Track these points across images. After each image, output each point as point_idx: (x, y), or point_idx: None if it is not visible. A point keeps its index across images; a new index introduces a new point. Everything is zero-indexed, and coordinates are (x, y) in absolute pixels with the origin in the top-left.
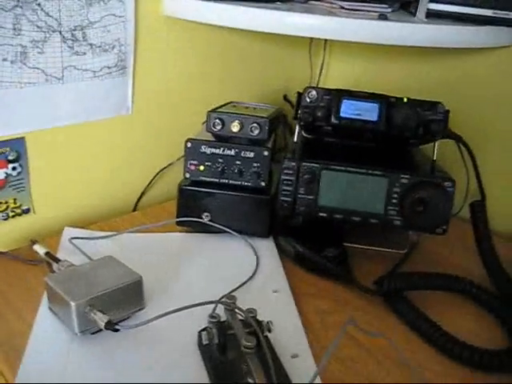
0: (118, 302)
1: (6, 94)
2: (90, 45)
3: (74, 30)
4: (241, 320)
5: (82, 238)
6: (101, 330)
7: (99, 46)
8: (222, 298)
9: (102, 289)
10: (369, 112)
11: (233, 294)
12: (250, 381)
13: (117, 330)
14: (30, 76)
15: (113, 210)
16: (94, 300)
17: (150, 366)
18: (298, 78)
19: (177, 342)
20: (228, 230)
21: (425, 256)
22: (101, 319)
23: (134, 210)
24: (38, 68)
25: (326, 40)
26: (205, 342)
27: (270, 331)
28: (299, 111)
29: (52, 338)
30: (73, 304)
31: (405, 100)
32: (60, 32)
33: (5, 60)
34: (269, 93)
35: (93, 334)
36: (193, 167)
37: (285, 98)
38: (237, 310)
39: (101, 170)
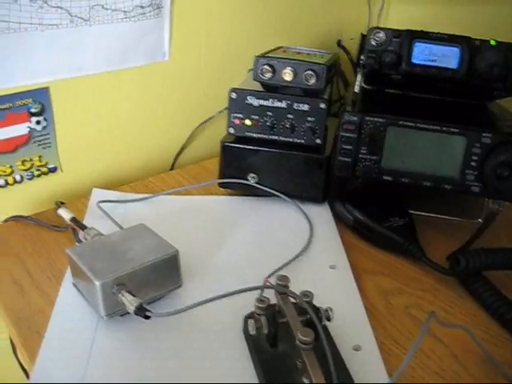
0: (151, 280)
1: (26, 38)
2: None
3: None
4: (293, 303)
5: (111, 201)
6: None
7: None
8: (272, 275)
9: (132, 265)
10: (447, 57)
11: (284, 268)
12: (306, 381)
13: (148, 318)
14: (52, 17)
15: (148, 169)
16: (123, 278)
17: (185, 356)
18: (353, 22)
19: (218, 327)
20: (277, 193)
21: (504, 228)
22: (130, 303)
23: (172, 168)
24: (61, 7)
25: None
26: (252, 331)
27: (329, 320)
28: (362, 56)
29: (76, 318)
30: (98, 283)
31: (492, 43)
32: None
33: None
34: (320, 37)
35: (122, 315)
36: (237, 121)
37: (339, 43)
38: (290, 294)
39: (134, 124)
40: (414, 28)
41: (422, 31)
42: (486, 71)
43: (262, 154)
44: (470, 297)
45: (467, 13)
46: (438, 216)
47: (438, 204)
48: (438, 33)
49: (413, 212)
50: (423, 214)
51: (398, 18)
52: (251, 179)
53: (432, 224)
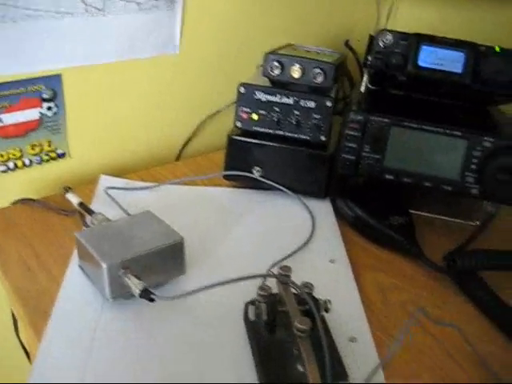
0: (156, 266)
1: (42, 25)
2: None
3: None
4: (294, 293)
5: (119, 189)
6: None
7: None
8: (274, 265)
9: (138, 250)
10: (453, 62)
11: (286, 260)
12: (300, 368)
13: (152, 300)
14: (67, 5)
15: (154, 158)
16: (129, 262)
17: (187, 339)
18: (362, 23)
19: (219, 313)
20: (281, 187)
21: (501, 230)
22: (136, 286)
23: (177, 159)
24: None
25: None
26: (252, 317)
27: (327, 311)
28: (370, 57)
29: (82, 300)
30: (105, 266)
31: (497, 49)
32: None
33: None
34: (329, 37)
35: (127, 299)
36: (245, 115)
37: (346, 43)
38: (291, 284)
39: (143, 114)
40: (421, 30)
41: (429, 35)
42: (489, 77)
43: (267, 148)
44: (465, 296)
45: (476, 17)
46: (438, 216)
47: (438, 205)
48: (445, 37)
49: (413, 211)
50: (423, 213)
51: (407, 20)
52: (256, 172)
53: (431, 224)
